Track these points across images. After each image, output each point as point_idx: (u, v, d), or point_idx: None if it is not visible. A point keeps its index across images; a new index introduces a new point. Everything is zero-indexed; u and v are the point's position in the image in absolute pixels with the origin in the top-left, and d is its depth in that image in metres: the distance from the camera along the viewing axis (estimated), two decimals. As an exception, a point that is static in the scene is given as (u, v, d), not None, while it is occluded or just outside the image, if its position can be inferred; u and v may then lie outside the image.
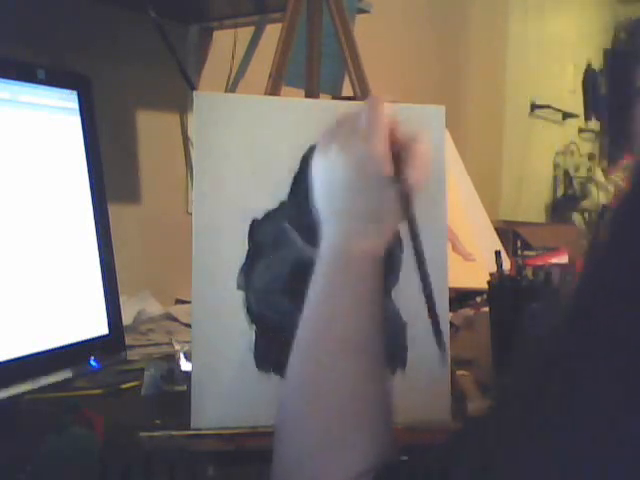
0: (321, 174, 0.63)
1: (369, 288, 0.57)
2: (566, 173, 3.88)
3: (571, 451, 0.35)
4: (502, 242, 1.77)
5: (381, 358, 0.55)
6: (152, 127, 1.50)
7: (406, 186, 0.58)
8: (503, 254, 1.19)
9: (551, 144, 3.80)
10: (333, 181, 0.61)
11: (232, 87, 1.58)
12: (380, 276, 0.58)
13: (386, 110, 0.59)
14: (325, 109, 0.83)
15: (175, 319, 1.33)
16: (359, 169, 0.59)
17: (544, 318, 0.98)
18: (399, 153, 0.59)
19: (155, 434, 0.74)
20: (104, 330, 0.89)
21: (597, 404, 0.35)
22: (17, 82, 0.82)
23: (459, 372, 0.91)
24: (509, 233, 2.05)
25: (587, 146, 4.33)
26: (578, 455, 0.35)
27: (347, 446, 0.50)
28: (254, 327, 0.77)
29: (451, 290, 0.83)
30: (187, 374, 0.78)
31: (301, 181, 0.80)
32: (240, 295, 0.77)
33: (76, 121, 0.89)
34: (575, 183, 3.87)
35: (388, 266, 0.82)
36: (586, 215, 3.88)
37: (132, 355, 1.06)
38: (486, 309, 1.25)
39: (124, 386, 0.95)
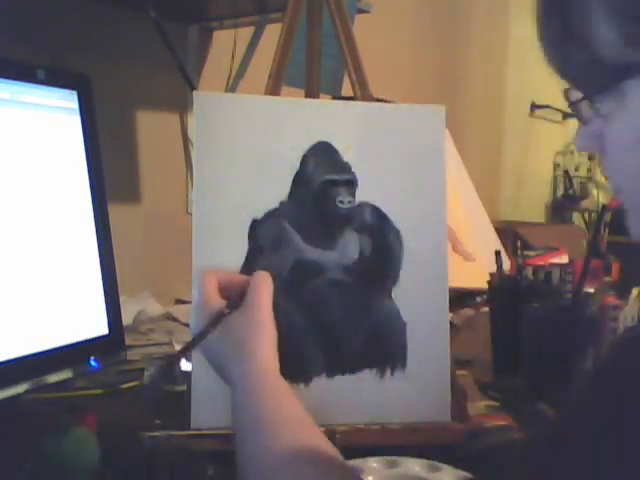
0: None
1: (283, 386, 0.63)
2: (566, 173, 3.87)
3: None
4: (502, 242, 1.77)
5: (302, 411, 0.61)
6: (152, 127, 1.50)
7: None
8: (503, 254, 1.19)
9: (551, 144, 3.79)
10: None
11: (232, 87, 1.58)
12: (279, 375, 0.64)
13: (217, 274, 0.69)
14: (325, 109, 0.83)
15: (175, 319, 1.33)
16: (200, 320, 0.67)
17: (544, 318, 0.98)
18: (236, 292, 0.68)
19: (155, 434, 0.74)
20: (104, 330, 0.89)
21: None
22: (17, 82, 0.82)
23: (459, 372, 0.91)
24: (509, 233, 2.05)
25: (587, 146, 4.30)
26: None
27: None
28: (254, 327, 0.77)
29: (451, 290, 0.83)
30: (187, 374, 0.78)
31: (301, 181, 0.80)
32: (240, 295, 0.77)
33: (76, 121, 0.89)
34: (575, 183, 3.86)
35: (388, 266, 0.82)
36: (586, 215, 3.87)
37: (132, 355, 1.06)
38: (486, 309, 1.25)
39: (124, 386, 0.95)
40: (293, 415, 0.59)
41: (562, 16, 0.48)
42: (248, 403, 0.60)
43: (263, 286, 0.67)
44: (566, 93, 0.52)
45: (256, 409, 0.59)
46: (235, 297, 0.67)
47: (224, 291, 0.68)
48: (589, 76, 0.48)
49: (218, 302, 0.66)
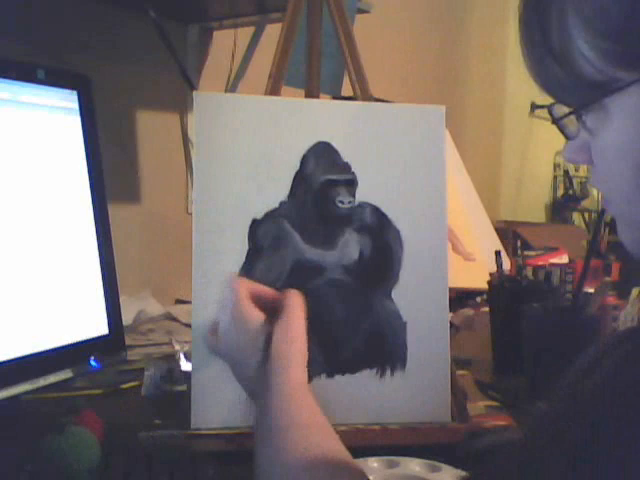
0: (220, 350, 0.70)
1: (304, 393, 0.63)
2: (566, 173, 3.88)
3: None
4: (502, 242, 1.77)
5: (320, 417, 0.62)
6: (152, 127, 1.50)
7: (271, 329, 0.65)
8: (503, 254, 1.19)
9: (551, 144, 3.79)
10: (229, 348, 0.69)
11: (232, 87, 1.58)
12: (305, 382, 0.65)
13: (248, 283, 0.70)
14: (325, 109, 0.83)
15: (175, 319, 1.33)
16: (233, 327, 0.67)
17: (544, 318, 0.98)
18: (270, 307, 0.68)
19: (155, 434, 0.74)
20: (104, 330, 0.89)
21: None
22: (17, 82, 0.82)
23: (459, 372, 0.91)
24: (509, 233, 2.05)
25: (587, 146, 4.31)
26: None
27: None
28: (254, 327, 0.77)
29: (451, 290, 0.83)
30: (187, 374, 0.78)
31: (301, 181, 0.80)
32: (240, 295, 0.77)
33: (76, 121, 0.89)
34: (575, 183, 3.87)
35: (388, 266, 0.82)
36: (586, 215, 3.88)
37: (132, 355, 1.06)
38: (486, 309, 1.25)
39: (124, 386, 0.95)
40: (311, 420, 0.60)
41: (542, 32, 0.48)
42: (276, 411, 0.61)
43: (300, 305, 0.67)
44: (550, 109, 0.51)
45: (281, 416, 0.60)
46: (271, 311, 0.67)
47: (254, 301, 0.68)
48: (571, 92, 0.48)
49: (259, 314, 0.67)
